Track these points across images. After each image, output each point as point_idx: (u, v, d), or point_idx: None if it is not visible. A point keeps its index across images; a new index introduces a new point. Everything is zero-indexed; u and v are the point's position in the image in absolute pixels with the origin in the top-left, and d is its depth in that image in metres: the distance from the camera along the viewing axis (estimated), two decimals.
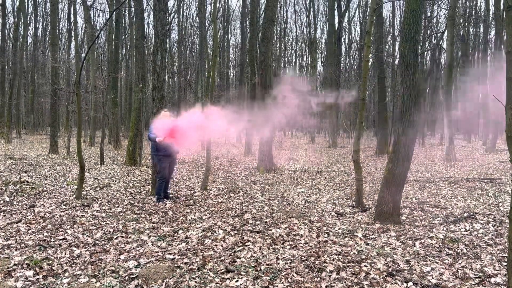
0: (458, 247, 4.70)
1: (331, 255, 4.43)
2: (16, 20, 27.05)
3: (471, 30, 26.71)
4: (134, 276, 3.84)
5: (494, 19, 19.64)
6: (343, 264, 4.15)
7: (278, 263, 4.18)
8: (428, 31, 26.02)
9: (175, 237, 5.12)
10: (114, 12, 18.77)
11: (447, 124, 15.65)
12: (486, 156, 16.88)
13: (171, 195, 7.80)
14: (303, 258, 4.31)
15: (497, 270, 3.99)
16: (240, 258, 4.33)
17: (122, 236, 5.12)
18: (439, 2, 23.00)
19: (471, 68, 24.86)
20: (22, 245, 4.66)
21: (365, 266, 4.11)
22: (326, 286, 3.65)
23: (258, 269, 4.04)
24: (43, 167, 11.68)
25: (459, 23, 24.25)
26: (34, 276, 3.80)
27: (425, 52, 26.45)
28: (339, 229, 5.57)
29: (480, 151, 19.28)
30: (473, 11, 26.17)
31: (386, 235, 5.23)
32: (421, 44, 22.37)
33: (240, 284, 3.70)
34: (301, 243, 4.88)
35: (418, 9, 5.69)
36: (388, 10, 34.24)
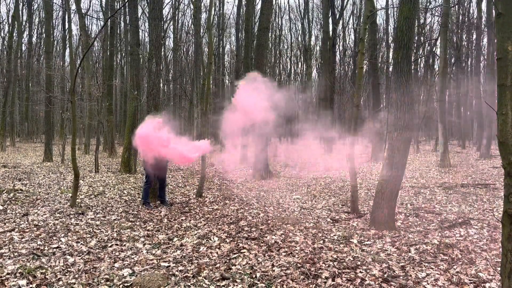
0: (453, 253, 4.71)
1: (327, 261, 4.43)
2: (10, 28, 27.06)
3: (464, 37, 27.01)
4: (128, 284, 3.82)
5: (486, 26, 19.85)
6: (339, 271, 4.14)
7: (274, 270, 4.16)
8: (422, 38, 26.26)
9: (170, 245, 5.10)
10: (109, 20, 18.81)
11: (442, 130, 15.76)
12: (480, 161, 16.98)
13: (168, 202, 7.80)
14: (299, 265, 4.30)
15: (491, 276, 4.00)
16: (235, 266, 4.32)
17: (117, 244, 5.09)
18: (432, 10, 23.25)
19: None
20: (16, 253, 4.61)
21: (360, 272, 4.11)
22: None
23: (254, 276, 4.02)
24: (37, 175, 11.61)
25: (452, 30, 24.55)
26: (27, 285, 3.76)
27: (419, 59, 26.67)
28: (334, 235, 5.57)
29: (475, 157, 19.39)
30: (466, 18, 26.46)
31: (381, 241, 5.24)
32: (414, 50, 22.56)
33: None
34: (296, 249, 4.87)
35: (411, 16, 5.76)
36: (382, 17, 34.50)
